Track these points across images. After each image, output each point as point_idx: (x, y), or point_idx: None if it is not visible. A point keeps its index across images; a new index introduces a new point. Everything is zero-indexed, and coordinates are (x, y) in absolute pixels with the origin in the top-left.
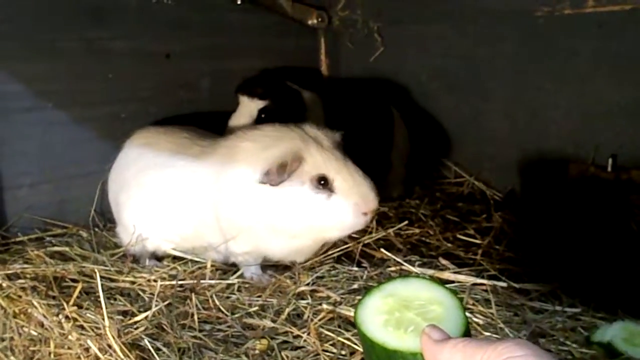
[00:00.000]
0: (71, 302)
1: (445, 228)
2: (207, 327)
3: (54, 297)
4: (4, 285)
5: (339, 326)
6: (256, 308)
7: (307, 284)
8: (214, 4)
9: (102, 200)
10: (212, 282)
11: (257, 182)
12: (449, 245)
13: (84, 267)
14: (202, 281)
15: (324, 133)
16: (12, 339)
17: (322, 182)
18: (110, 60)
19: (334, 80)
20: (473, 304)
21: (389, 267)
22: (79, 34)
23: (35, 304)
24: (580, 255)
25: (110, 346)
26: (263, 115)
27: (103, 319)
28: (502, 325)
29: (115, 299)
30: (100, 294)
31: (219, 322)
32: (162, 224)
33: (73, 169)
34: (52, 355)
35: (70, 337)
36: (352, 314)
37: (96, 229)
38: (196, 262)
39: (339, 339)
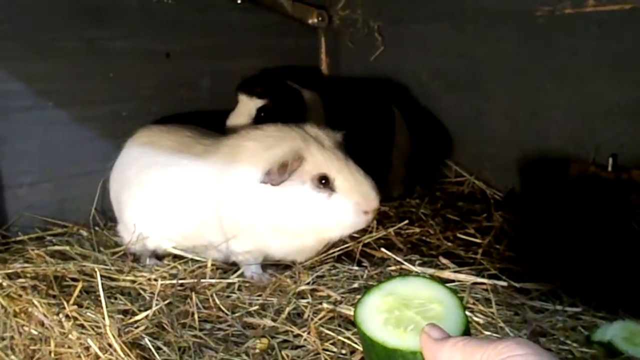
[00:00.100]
0: (71, 301)
1: (446, 227)
2: (208, 326)
3: (54, 296)
4: (5, 284)
5: (339, 325)
6: (256, 307)
7: (308, 283)
8: (214, 3)
9: (103, 199)
10: (213, 281)
11: (258, 182)
12: (450, 244)
13: (84, 266)
14: (202, 280)
15: (325, 132)
16: (12, 338)
17: (323, 181)
18: (110, 60)
19: (334, 80)
20: (473, 303)
21: (389, 266)
22: (79, 34)
23: (36, 303)
24: (580, 254)
25: (110, 345)
26: (262, 114)
27: (103, 318)
28: (502, 324)
29: (115, 298)
30: (101, 293)
31: (219, 321)
32: (164, 222)
33: (74, 168)
34: (52, 354)
35: (70, 336)
36: (352, 313)
37: (97, 228)
38: (196, 261)
39: (339, 338)
